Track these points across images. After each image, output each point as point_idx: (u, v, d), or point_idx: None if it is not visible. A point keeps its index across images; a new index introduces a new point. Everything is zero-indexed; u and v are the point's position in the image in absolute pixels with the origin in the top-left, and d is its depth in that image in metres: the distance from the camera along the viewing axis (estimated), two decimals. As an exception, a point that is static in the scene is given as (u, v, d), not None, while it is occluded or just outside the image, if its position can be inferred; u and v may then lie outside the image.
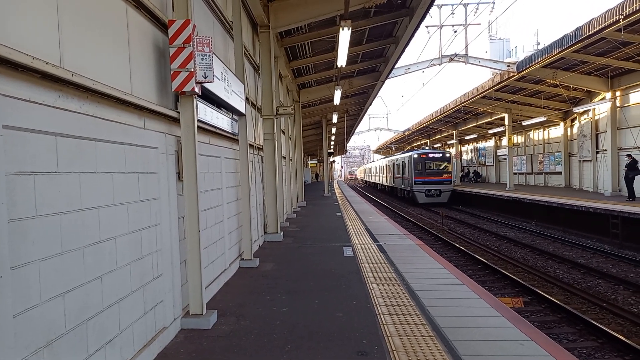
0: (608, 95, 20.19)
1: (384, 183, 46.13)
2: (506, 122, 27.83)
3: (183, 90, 4.82)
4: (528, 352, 4.27)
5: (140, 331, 4.04)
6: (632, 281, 9.87)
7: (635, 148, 18.76)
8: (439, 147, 46.79)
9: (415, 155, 31.07)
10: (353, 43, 12.60)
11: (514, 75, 20.68)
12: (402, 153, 37.35)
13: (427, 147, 37.76)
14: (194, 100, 5.10)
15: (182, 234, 5.12)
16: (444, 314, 5.36)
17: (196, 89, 4.89)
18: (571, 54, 17.41)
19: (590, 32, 15.02)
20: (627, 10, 13.35)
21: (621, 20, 13.65)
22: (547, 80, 20.86)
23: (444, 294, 6.26)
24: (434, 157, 31.32)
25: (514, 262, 12.30)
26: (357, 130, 51.91)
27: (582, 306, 8.49)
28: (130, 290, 3.87)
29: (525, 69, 19.44)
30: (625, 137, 19.80)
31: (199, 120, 5.48)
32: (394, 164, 38.79)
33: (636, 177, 16.91)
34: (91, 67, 3.37)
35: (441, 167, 30.72)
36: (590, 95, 22.06)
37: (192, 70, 4.78)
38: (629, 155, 17.41)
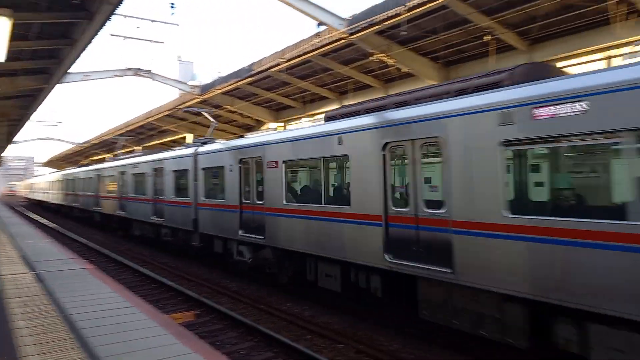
0: (273, 125, 23.82)
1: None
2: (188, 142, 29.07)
3: None
4: (189, 366, 4.43)
5: None
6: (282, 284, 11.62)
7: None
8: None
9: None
10: (16, 36, 10.67)
11: (197, 98, 21.86)
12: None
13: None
14: None
15: None
16: (108, 342, 5.04)
17: None
18: (245, 85, 19.73)
19: (261, 69, 17.44)
20: (287, 55, 16.15)
21: (282, 63, 16.39)
22: (227, 107, 22.94)
23: (110, 320, 5.89)
24: None
25: (189, 276, 12.70)
26: (18, 139, 43.78)
27: (245, 311, 9.46)
28: None
29: (207, 93, 20.89)
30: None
31: None
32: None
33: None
34: None
35: None
36: (259, 124, 25.46)
37: None
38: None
